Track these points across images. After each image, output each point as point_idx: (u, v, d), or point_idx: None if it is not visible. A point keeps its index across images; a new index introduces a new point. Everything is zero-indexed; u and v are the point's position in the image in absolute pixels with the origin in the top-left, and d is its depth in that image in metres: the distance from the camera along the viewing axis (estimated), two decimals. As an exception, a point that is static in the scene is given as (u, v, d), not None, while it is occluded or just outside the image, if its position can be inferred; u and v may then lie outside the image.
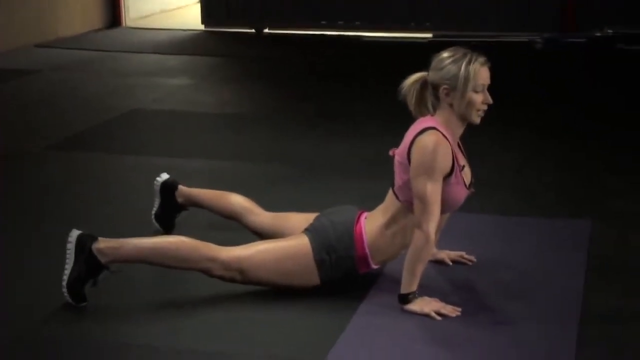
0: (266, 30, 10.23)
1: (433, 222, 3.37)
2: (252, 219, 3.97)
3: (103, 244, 3.49)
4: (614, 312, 3.47)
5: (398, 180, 3.52)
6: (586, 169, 5.25)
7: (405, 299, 3.41)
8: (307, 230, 3.62)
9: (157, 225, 4.23)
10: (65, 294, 3.46)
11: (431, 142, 3.38)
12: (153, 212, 4.23)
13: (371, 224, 3.57)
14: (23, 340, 3.27)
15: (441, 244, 3.88)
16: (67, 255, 3.47)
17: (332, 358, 3.10)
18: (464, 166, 3.53)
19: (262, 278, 3.57)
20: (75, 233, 3.50)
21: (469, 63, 3.41)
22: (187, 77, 7.98)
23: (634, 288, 3.67)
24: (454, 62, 3.43)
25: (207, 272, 3.55)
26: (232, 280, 3.56)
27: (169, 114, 6.67)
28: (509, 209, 4.56)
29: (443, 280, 3.73)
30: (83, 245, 3.47)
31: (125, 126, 6.29)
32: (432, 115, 3.51)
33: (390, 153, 3.57)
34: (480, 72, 3.43)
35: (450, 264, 3.85)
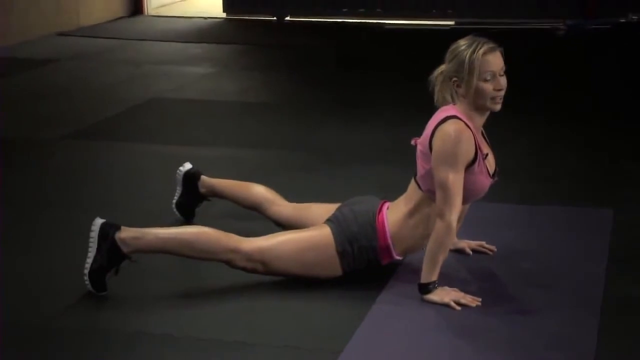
0: (287, 18, 10.23)
1: (455, 211, 3.36)
2: (274, 209, 3.98)
3: (125, 233, 3.50)
4: (636, 301, 3.45)
5: (420, 169, 3.50)
6: (607, 157, 5.23)
7: (425, 288, 3.40)
8: (329, 221, 3.61)
9: (177, 213, 4.25)
10: (87, 282, 3.48)
11: (453, 131, 3.37)
12: (174, 200, 4.24)
13: (393, 214, 3.56)
14: (45, 328, 3.29)
15: (461, 234, 3.86)
16: (90, 244, 3.49)
17: (351, 347, 3.10)
18: (487, 154, 3.51)
19: (284, 269, 3.57)
20: (98, 222, 3.52)
21: (472, 53, 3.37)
22: (208, 65, 7.98)
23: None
24: (458, 54, 3.41)
25: (229, 263, 3.56)
26: (254, 271, 3.57)
27: (190, 102, 6.69)
28: (529, 197, 4.55)
29: (463, 269, 3.72)
30: (106, 234, 3.49)
31: (146, 114, 6.30)
32: (453, 105, 3.49)
33: (413, 142, 3.56)
34: (486, 60, 3.39)
35: (471, 253, 3.85)
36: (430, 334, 3.22)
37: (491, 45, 3.41)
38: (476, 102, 3.43)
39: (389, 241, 3.55)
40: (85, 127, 5.94)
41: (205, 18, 10.46)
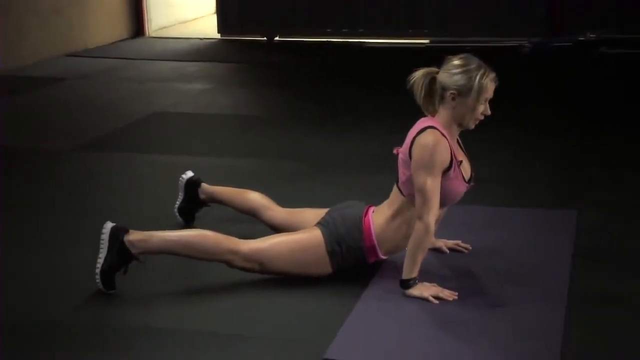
0: (277, 38, 10.23)
1: (433, 213, 3.37)
2: (269, 214, 3.99)
3: (133, 236, 3.52)
4: (599, 295, 3.46)
5: (401, 176, 3.52)
6: (572, 164, 5.24)
7: (406, 284, 3.41)
8: (319, 224, 3.63)
9: (179, 218, 4.25)
10: (98, 281, 3.49)
11: (430, 140, 3.39)
12: (176, 206, 4.24)
13: (378, 216, 3.58)
14: (58, 324, 3.29)
15: (439, 234, 3.87)
16: (101, 245, 3.50)
17: (340, 339, 3.11)
18: (461, 161, 3.52)
19: (279, 268, 3.58)
20: (109, 225, 3.53)
21: (482, 77, 3.40)
22: (204, 82, 7.98)
23: (618, 273, 3.66)
24: (467, 72, 3.40)
25: (228, 264, 3.57)
26: (251, 270, 3.58)
27: (188, 116, 6.68)
28: (501, 200, 4.56)
29: (441, 266, 3.73)
30: (116, 237, 3.50)
31: (148, 128, 6.29)
32: (432, 116, 3.50)
33: (395, 151, 3.57)
34: (490, 87, 3.43)
35: (448, 251, 3.86)
36: (411, 326, 3.22)
37: (494, 75, 3.45)
38: (462, 118, 3.45)
39: (375, 242, 3.56)
40: (91, 140, 5.93)
41: (201, 39, 10.46)
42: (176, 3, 11.59)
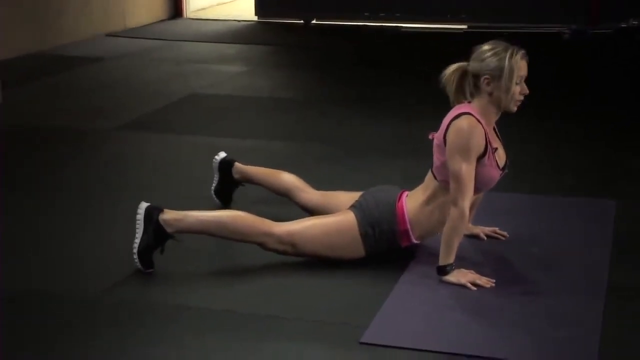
0: (314, 22, 10.23)
1: (467, 199, 3.37)
2: (303, 196, 3.99)
3: (168, 215, 3.54)
4: (635, 285, 3.44)
5: (436, 161, 3.51)
6: (609, 152, 5.20)
7: (443, 270, 3.41)
8: (353, 207, 3.63)
9: (216, 199, 4.26)
10: (136, 261, 3.52)
11: (466, 125, 3.39)
12: (212, 187, 4.26)
13: (412, 201, 3.58)
14: (98, 302, 3.32)
15: (476, 220, 3.87)
16: (137, 226, 3.53)
17: (377, 323, 3.11)
18: (496, 148, 3.51)
19: (312, 251, 3.59)
20: (143, 205, 3.55)
21: (511, 56, 3.39)
22: (241, 64, 8.00)
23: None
24: (496, 54, 3.40)
25: (262, 245, 3.58)
26: (284, 252, 3.59)
27: (225, 97, 6.70)
28: (538, 189, 4.54)
29: (478, 253, 3.72)
30: (151, 216, 3.52)
31: (186, 109, 6.32)
32: (468, 102, 3.49)
33: (430, 137, 3.57)
34: (521, 65, 3.42)
35: (485, 238, 3.84)
36: (447, 312, 3.22)
37: (523, 51, 3.43)
38: (500, 101, 3.43)
39: (408, 226, 3.56)
40: (130, 120, 5.96)
41: (238, 21, 10.48)
42: (214, -15, 11.63)
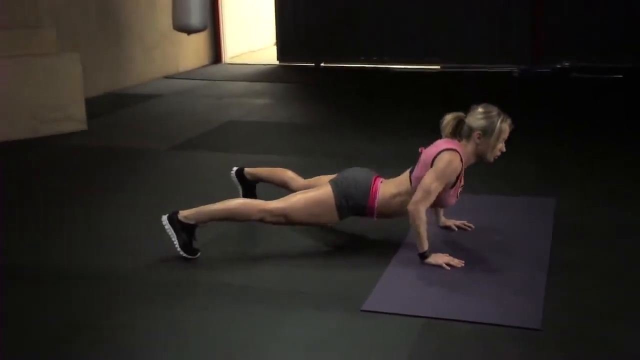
0: (322, 64, 10.23)
1: (425, 206, 3.37)
2: (294, 184, 3.94)
3: (185, 212, 3.51)
4: (572, 263, 3.43)
5: (417, 172, 3.49)
6: (551, 162, 5.19)
7: (422, 255, 3.39)
8: (332, 182, 3.60)
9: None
10: (184, 255, 3.48)
11: (451, 159, 3.40)
12: (241, 194, 4.20)
13: (384, 189, 3.56)
14: (159, 282, 3.31)
15: (449, 215, 3.86)
16: (169, 233, 3.50)
17: (373, 296, 3.11)
18: (462, 185, 3.55)
19: (299, 219, 3.56)
20: (164, 217, 3.52)
21: (502, 121, 3.44)
22: (267, 97, 8.00)
23: (589, 247, 3.63)
24: (489, 117, 3.45)
25: (261, 221, 3.56)
26: (279, 223, 3.57)
27: (255, 123, 6.70)
28: (496, 190, 4.52)
29: (451, 241, 3.72)
30: (173, 220, 3.50)
31: (224, 133, 6.32)
32: (459, 141, 3.49)
33: (420, 150, 3.56)
34: (507, 130, 3.48)
35: (456, 229, 3.84)
36: (429, 286, 3.22)
37: (510, 120, 3.49)
38: (484, 153, 3.48)
39: (375, 206, 3.54)
40: (182, 141, 5.97)
41: (264, 65, 10.48)
42: (245, 37, 11.63)
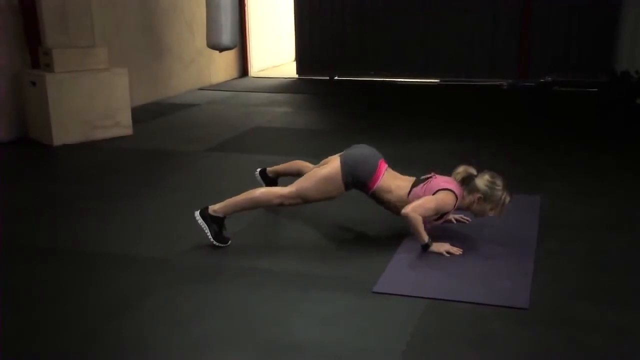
0: (336, 77, 10.24)
1: (417, 214, 3.33)
2: (308, 170, 3.89)
3: (214, 207, 3.51)
4: (555, 253, 3.43)
5: (418, 191, 3.47)
6: (533, 163, 5.17)
7: (425, 247, 3.38)
8: (341, 159, 3.55)
9: None
10: (217, 244, 3.48)
11: (450, 198, 3.40)
12: None
13: (386, 180, 3.54)
14: (195, 266, 3.33)
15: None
16: (202, 226, 3.49)
17: (383, 279, 3.12)
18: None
19: (313, 197, 3.53)
20: (196, 213, 3.52)
21: (504, 196, 3.41)
22: (287, 106, 8.01)
23: (570, 238, 3.63)
24: (495, 188, 3.41)
25: (281, 205, 3.56)
26: (297, 204, 3.56)
27: (277, 129, 6.71)
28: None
29: (451, 232, 3.72)
30: (205, 215, 3.50)
31: (250, 137, 6.33)
32: (461, 187, 3.48)
33: (432, 174, 3.55)
34: (504, 206, 3.43)
35: (455, 222, 3.83)
36: (432, 271, 3.23)
37: (510, 198, 3.43)
38: (476, 211, 3.48)
39: (373, 188, 3.53)
40: (215, 144, 5.99)
41: (285, 78, 10.50)
42: (269, 54, 11.66)
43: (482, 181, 3.44)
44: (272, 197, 3.53)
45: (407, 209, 3.33)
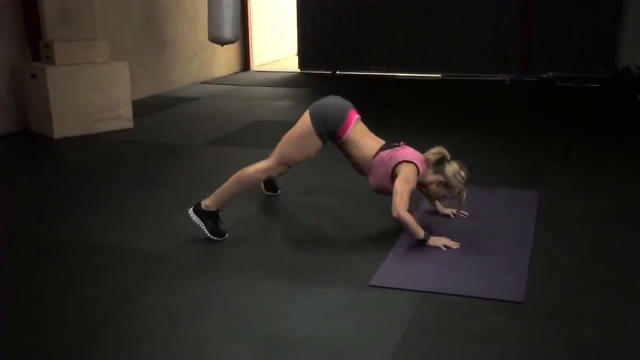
0: (338, 72, 10.22)
1: (405, 208, 3.31)
2: (270, 170, 3.66)
3: (206, 201, 3.49)
4: (550, 246, 3.43)
5: (384, 157, 3.45)
6: (533, 158, 5.16)
7: (422, 242, 3.38)
8: (310, 112, 3.48)
9: (269, 193, 4.22)
10: (214, 239, 3.47)
11: (413, 172, 3.40)
12: (263, 189, 4.20)
13: (357, 131, 3.51)
14: (194, 259, 3.34)
15: (447, 204, 3.85)
16: (197, 222, 3.48)
17: (380, 273, 3.12)
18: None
19: (296, 160, 3.50)
20: (190, 210, 3.50)
21: (463, 191, 3.46)
22: (289, 100, 8.00)
23: (566, 232, 3.62)
24: (459, 181, 3.42)
25: (270, 177, 3.55)
26: (284, 171, 3.53)
27: (278, 123, 6.69)
28: (484, 182, 4.51)
29: (448, 226, 3.72)
30: (198, 211, 3.48)
31: (252, 130, 6.33)
32: (426, 164, 3.46)
33: (401, 143, 3.55)
34: (463, 196, 3.49)
35: (453, 216, 3.83)
36: (428, 265, 3.22)
37: (466, 193, 3.48)
38: (432, 190, 3.50)
39: (343, 137, 3.50)
40: (216, 138, 5.99)
41: (287, 72, 10.49)
42: (271, 48, 11.64)
43: (451, 168, 3.44)
44: (258, 174, 3.50)
45: (395, 212, 3.30)
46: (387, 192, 3.51)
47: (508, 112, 7.11)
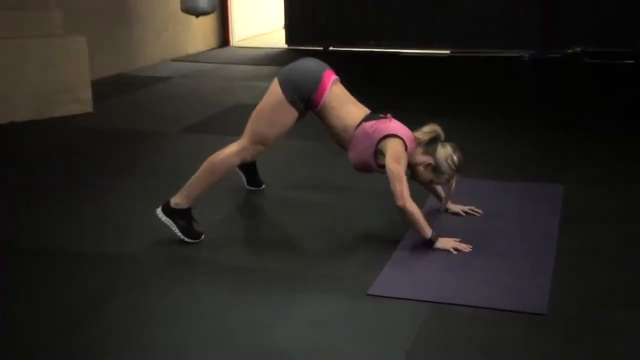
0: (331, 48, 10.21)
1: (407, 194, 3.32)
2: (244, 152, 3.64)
3: (175, 199, 3.47)
4: (580, 249, 3.43)
5: (367, 128, 3.46)
6: (557, 147, 5.17)
7: (430, 242, 3.37)
8: (279, 77, 3.48)
9: (252, 188, 4.21)
10: (188, 241, 3.45)
11: (401, 148, 3.40)
12: (245, 184, 4.20)
13: (336, 97, 3.50)
14: (166, 264, 3.34)
15: (457, 201, 3.86)
16: (167, 224, 3.45)
17: (379, 280, 3.13)
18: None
19: (272, 136, 3.49)
20: (158, 210, 3.48)
21: (452, 178, 3.48)
22: (275, 81, 7.98)
23: (595, 233, 3.63)
24: (451, 167, 3.44)
25: (245, 160, 3.54)
26: (260, 152, 3.51)
27: (263, 107, 6.69)
28: (501, 175, 4.51)
29: (459, 226, 3.71)
30: (167, 210, 3.46)
31: (231, 116, 6.32)
32: (418, 141, 3.46)
33: (388, 115, 3.56)
34: (450, 185, 3.54)
35: (464, 215, 3.83)
36: (435, 271, 3.22)
37: (455, 180, 3.53)
38: (419, 172, 3.50)
39: (322, 103, 3.47)
40: (190, 124, 5.99)
41: (273, 48, 10.47)
42: (254, 20, 11.62)
43: (444, 151, 3.45)
44: (231, 157, 3.47)
45: (401, 200, 3.29)
46: (367, 169, 3.50)
47: (526, 93, 7.12)
